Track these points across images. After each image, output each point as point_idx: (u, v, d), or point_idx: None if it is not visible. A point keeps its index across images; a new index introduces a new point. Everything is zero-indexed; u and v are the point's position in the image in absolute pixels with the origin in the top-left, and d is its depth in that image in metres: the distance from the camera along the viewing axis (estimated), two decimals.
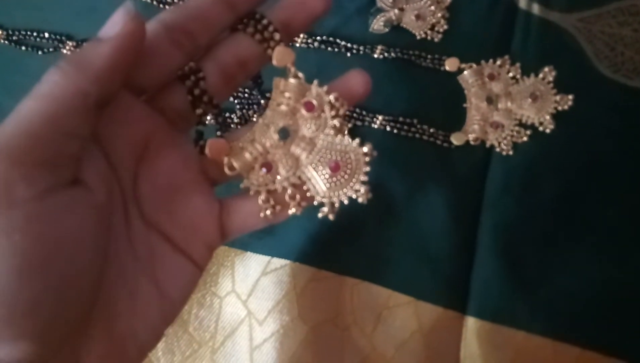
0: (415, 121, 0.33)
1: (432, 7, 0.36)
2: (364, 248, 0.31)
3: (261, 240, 0.32)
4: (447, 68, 0.34)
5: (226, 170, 0.22)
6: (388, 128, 0.33)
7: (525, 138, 0.32)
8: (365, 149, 0.21)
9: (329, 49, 0.36)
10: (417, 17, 0.36)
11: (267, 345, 0.30)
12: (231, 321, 0.30)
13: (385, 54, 0.35)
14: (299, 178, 0.22)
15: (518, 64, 0.34)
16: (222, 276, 0.31)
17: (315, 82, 0.22)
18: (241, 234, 0.23)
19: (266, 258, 0.31)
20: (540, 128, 0.33)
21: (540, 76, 0.34)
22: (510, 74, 0.34)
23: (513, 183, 0.31)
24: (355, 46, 0.35)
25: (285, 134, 0.22)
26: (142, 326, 0.19)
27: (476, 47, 0.35)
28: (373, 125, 0.34)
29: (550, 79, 0.33)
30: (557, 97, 0.33)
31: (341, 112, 0.22)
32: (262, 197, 0.22)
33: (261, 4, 0.22)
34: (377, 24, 0.36)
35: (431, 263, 0.30)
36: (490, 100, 0.34)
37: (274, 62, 0.22)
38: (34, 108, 0.16)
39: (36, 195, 0.16)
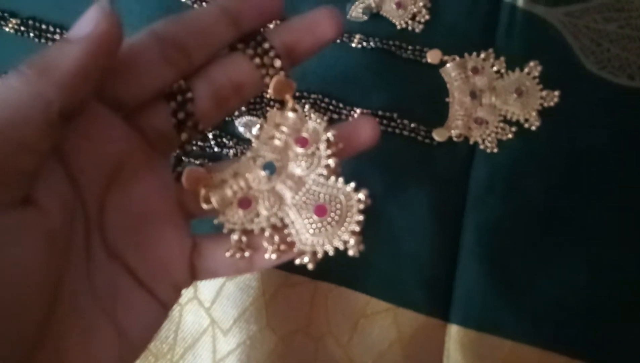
0: (395, 115, 0.31)
1: None
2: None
3: None
4: (429, 60, 0.32)
5: (202, 204, 0.19)
6: None
7: (510, 135, 0.31)
8: (360, 196, 0.19)
9: None
10: (398, 5, 0.34)
11: (232, 358, 0.27)
12: (192, 331, 0.27)
13: (364, 44, 0.33)
14: (281, 220, 0.19)
15: (502, 58, 0.32)
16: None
17: (313, 116, 0.20)
18: (214, 278, 0.21)
19: None
20: (526, 125, 0.31)
21: (526, 70, 0.32)
22: (495, 68, 0.32)
23: (498, 182, 0.30)
24: None
25: (272, 169, 0.20)
26: None
27: (459, 39, 0.33)
28: (350, 118, 0.32)
29: (536, 74, 0.32)
30: (543, 93, 0.32)
31: (337, 151, 0.20)
32: (234, 237, 0.19)
33: (268, 23, 0.20)
34: (355, 11, 0.34)
35: (412, 267, 0.28)
36: (474, 95, 0.32)
37: (271, 92, 0.20)
38: None
39: None
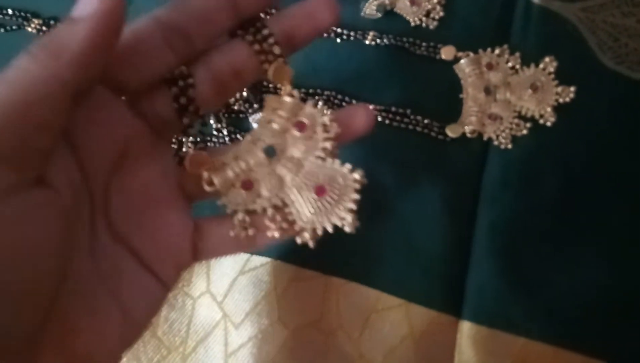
0: (408, 111, 0.31)
1: None
2: (351, 246, 0.28)
3: None
4: (443, 57, 0.32)
5: (205, 186, 0.20)
6: (379, 118, 0.31)
7: (525, 131, 0.30)
8: (356, 175, 0.20)
9: None
10: (412, 2, 0.34)
11: (243, 351, 0.27)
12: (205, 324, 0.28)
13: (378, 41, 0.33)
14: (282, 200, 0.20)
15: (518, 54, 0.32)
16: (196, 274, 0.29)
17: (310, 102, 0.21)
18: (214, 257, 0.21)
19: (245, 255, 0.29)
20: (541, 121, 0.31)
21: (541, 66, 0.32)
22: (510, 64, 0.32)
23: (512, 178, 0.29)
24: (345, 32, 0.33)
25: (272, 153, 0.21)
26: (99, 346, 0.17)
27: (473, 35, 0.33)
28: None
29: (552, 69, 0.31)
30: (559, 89, 0.31)
31: (334, 135, 0.21)
32: (238, 217, 0.20)
33: (268, 7, 0.21)
34: (370, 9, 0.34)
35: (424, 263, 0.28)
36: (488, 91, 0.32)
37: (270, 77, 0.21)
38: None
39: None
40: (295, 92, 0.21)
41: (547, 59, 0.32)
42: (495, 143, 0.30)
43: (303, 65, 0.33)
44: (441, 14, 0.34)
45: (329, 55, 0.33)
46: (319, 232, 0.20)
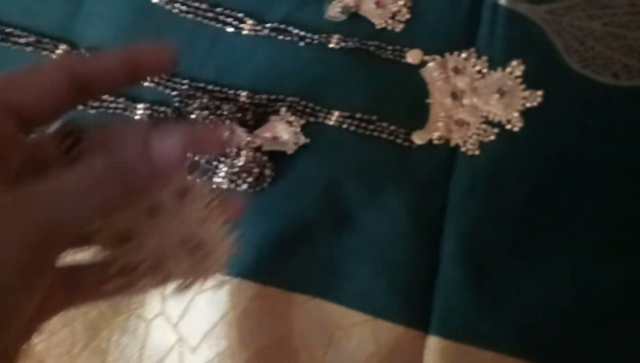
0: (374, 117, 0.30)
1: None
2: (315, 259, 0.27)
3: None
4: (409, 60, 0.31)
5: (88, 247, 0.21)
6: (344, 125, 0.30)
7: (492, 137, 0.30)
8: (229, 239, 0.22)
9: (280, 37, 0.32)
10: (377, 4, 0.33)
11: None
12: (159, 348, 0.26)
13: (342, 44, 0.32)
14: (160, 254, 0.21)
15: (485, 57, 0.31)
16: (149, 295, 0.27)
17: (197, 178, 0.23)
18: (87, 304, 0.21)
19: None
20: (508, 126, 0.30)
21: (508, 70, 0.31)
22: (476, 68, 0.31)
23: (479, 185, 0.29)
24: (309, 35, 0.32)
25: (155, 209, 0.22)
26: None
27: (440, 38, 0.32)
28: (327, 121, 0.31)
29: (519, 73, 0.31)
30: (526, 93, 0.30)
31: (210, 199, 0.22)
32: (116, 268, 0.20)
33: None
34: (334, 11, 0.33)
35: (390, 277, 0.27)
36: (455, 95, 0.31)
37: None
38: None
39: None
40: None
41: (514, 63, 0.31)
42: (463, 149, 0.30)
43: (265, 70, 0.32)
44: (407, 16, 0.33)
45: (292, 59, 0.32)
46: (191, 287, 0.21)
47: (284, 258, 0.27)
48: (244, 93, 0.31)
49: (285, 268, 0.27)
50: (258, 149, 0.29)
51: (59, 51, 0.32)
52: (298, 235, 0.27)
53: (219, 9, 0.33)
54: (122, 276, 0.20)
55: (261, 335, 0.26)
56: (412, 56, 0.32)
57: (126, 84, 0.20)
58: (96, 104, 0.30)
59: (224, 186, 0.28)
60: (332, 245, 0.27)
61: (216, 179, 0.29)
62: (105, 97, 0.30)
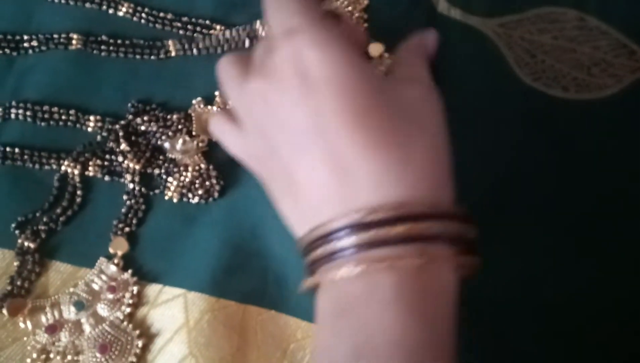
0: None
1: (349, 8, 0.33)
2: (268, 272, 0.27)
3: (153, 264, 0.27)
4: None
5: (20, 324, 0.26)
6: None
7: None
8: (139, 342, 0.25)
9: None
10: None
11: None
12: None
13: None
14: (75, 348, 0.25)
15: None
16: None
17: (127, 274, 0.27)
18: None
19: (157, 286, 0.27)
20: None
21: None
22: None
23: None
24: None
25: (80, 307, 0.26)
26: None
27: (394, 50, 0.32)
28: None
29: None
30: None
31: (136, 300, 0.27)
32: (34, 354, 0.25)
33: None
34: None
35: None
36: None
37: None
38: None
39: None
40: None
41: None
42: None
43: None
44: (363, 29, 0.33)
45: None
46: None
47: (238, 271, 0.27)
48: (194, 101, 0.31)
49: (240, 281, 0.27)
50: (205, 155, 0.30)
51: None
52: (252, 246, 0.27)
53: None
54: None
55: (215, 348, 0.25)
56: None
57: None
58: (46, 116, 0.30)
59: (175, 200, 0.28)
60: (286, 256, 0.27)
61: (168, 193, 0.28)
62: (54, 109, 0.30)
